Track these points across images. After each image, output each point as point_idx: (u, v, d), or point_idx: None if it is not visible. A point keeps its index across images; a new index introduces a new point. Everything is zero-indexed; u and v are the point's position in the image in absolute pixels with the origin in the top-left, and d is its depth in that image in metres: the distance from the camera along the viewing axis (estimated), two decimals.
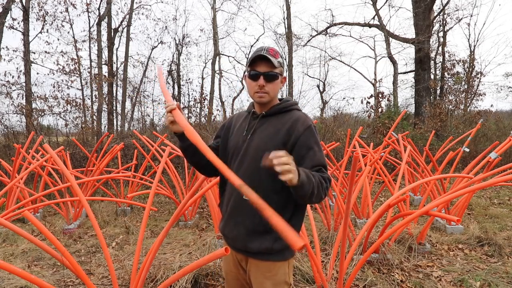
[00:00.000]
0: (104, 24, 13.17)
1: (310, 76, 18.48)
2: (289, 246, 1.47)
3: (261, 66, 1.44)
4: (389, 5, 16.69)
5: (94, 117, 11.90)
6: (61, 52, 12.39)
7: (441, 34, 14.69)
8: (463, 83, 13.96)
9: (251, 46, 17.08)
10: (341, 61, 20.22)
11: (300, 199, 1.29)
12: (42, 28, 12.27)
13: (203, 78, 16.57)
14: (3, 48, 10.99)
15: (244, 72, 1.53)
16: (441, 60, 14.53)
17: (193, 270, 1.75)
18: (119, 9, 24.36)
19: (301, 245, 0.93)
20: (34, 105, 10.78)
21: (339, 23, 16.46)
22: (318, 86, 18.09)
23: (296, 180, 1.13)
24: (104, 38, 13.22)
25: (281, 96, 1.64)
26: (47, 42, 12.72)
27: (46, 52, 12.37)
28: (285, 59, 16.03)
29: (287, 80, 1.63)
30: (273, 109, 1.50)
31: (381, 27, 14.99)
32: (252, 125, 1.52)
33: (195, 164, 1.62)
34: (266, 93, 1.46)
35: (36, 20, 12.20)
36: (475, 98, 14.12)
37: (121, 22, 14.33)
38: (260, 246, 1.41)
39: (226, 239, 1.54)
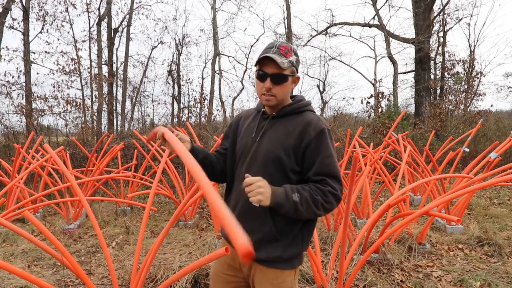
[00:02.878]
0: (104, 24, 13.17)
1: (310, 76, 18.52)
2: (298, 255, 1.42)
3: (269, 67, 1.34)
4: (389, 5, 16.69)
5: (94, 117, 11.91)
6: (61, 52, 12.40)
7: (441, 34, 14.71)
8: (463, 83, 13.97)
9: (251, 46, 17.08)
10: (341, 61, 20.23)
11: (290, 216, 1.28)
12: (42, 28, 12.28)
13: (203, 78, 16.59)
14: (3, 48, 11.00)
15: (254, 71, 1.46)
16: (441, 60, 14.54)
17: (193, 270, 1.74)
18: (119, 9, 24.39)
19: (245, 251, 0.76)
20: (34, 105, 10.79)
21: (339, 23, 16.45)
22: (318, 86, 18.09)
23: (269, 202, 1.20)
24: (104, 38, 13.23)
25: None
26: (47, 42, 12.76)
27: (46, 52, 12.39)
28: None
29: (299, 81, 1.52)
30: (284, 110, 1.41)
31: (381, 27, 14.98)
32: (261, 126, 1.43)
33: (209, 177, 1.58)
34: (273, 96, 1.36)
35: (36, 20, 12.23)
36: (475, 98, 14.14)
37: (121, 22, 14.34)
38: (268, 255, 1.35)
39: (230, 244, 1.47)
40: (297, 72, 1.44)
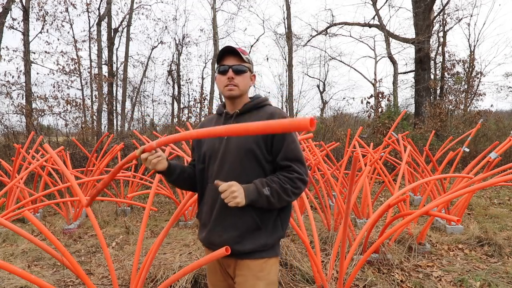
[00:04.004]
0: (104, 24, 13.17)
1: (310, 76, 18.54)
2: (279, 240, 1.46)
3: (229, 60, 1.47)
4: (389, 5, 16.71)
5: (94, 117, 11.91)
6: (61, 52, 12.40)
7: (441, 34, 14.71)
8: (463, 83, 13.97)
9: (251, 46, 17.10)
10: (341, 61, 20.28)
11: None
12: (42, 28, 12.28)
13: (203, 78, 16.60)
14: (3, 48, 11.00)
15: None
16: (441, 60, 14.54)
17: (193, 270, 1.74)
18: (119, 9, 24.41)
19: (310, 120, 0.79)
20: (34, 105, 10.78)
21: (339, 23, 16.47)
22: (318, 86, 18.11)
23: (244, 202, 1.28)
24: (104, 38, 13.22)
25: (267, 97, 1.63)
26: (47, 42, 12.76)
27: (46, 52, 12.39)
28: (285, 58, 16.00)
29: (255, 79, 1.62)
30: (246, 106, 1.49)
31: (381, 27, 14.99)
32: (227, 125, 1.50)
33: (189, 189, 1.63)
34: (236, 86, 1.45)
35: (36, 20, 12.23)
36: (475, 98, 14.14)
37: (121, 22, 14.34)
38: (254, 245, 1.39)
39: (212, 247, 1.45)
40: (253, 71, 1.58)
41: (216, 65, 1.52)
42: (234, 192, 1.25)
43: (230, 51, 1.47)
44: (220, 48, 15.68)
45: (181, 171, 1.53)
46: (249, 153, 1.38)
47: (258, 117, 1.44)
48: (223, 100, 1.60)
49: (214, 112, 1.70)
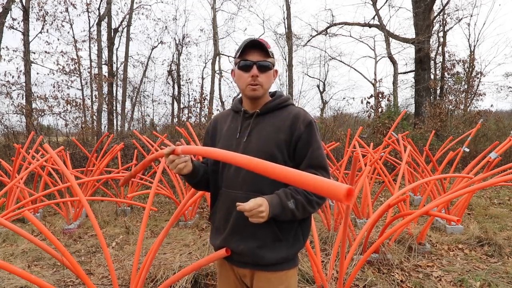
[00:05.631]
0: (104, 24, 13.18)
1: (310, 76, 18.56)
2: (299, 250, 1.40)
3: (254, 55, 1.31)
4: (389, 5, 16.70)
5: (94, 117, 11.91)
6: (61, 52, 12.41)
7: (441, 34, 14.71)
8: (463, 83, 13.97)
9: None
10: (341, 61, 20.29)
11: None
12: (42, 28, 12.29)
13: (203, 78, 16.59)
14: (3, 48, 11.01)
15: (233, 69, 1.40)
16: (441, 60, 14.54)
17: (193, 271, 1.75)
18: (119, 9, 24.42)
19: (346, 190, 0.69)
20: (34, 105, 10.79)
21: (339, 23, 16.47)
22: (318, 86, 18.11)
23: (267, 218, 1.19)
24: (104, 38, 13.23)
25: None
26: (47, 42, 12.77)
27: (46, 52, 12.40)
28: (285, 58, 16.03)
29: (278, 75, 1.48)
30: (267, 106, 1.37)
31: (381, 27, 14.99)
32: (246, 125, 1.37)
33: (207, 190, 1.52)
34: (260, 85, 1.32)
35: (36, 20, 12.25)
36: (475, 98, 14.14)
37: (121, 22, 14.35)
38: (275, 256, 1.31)
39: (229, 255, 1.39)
40: (276, 66, 1.44)
41: (236, 58, 1.35)
42: (261, 213, 1.16)
43: (255, 45, 1.31)
44: (220, 48, 15.70)
45: (204, 172, 1.44)
46: (269, 158, 1.24)
47: (282, 117, 1.34)
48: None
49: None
